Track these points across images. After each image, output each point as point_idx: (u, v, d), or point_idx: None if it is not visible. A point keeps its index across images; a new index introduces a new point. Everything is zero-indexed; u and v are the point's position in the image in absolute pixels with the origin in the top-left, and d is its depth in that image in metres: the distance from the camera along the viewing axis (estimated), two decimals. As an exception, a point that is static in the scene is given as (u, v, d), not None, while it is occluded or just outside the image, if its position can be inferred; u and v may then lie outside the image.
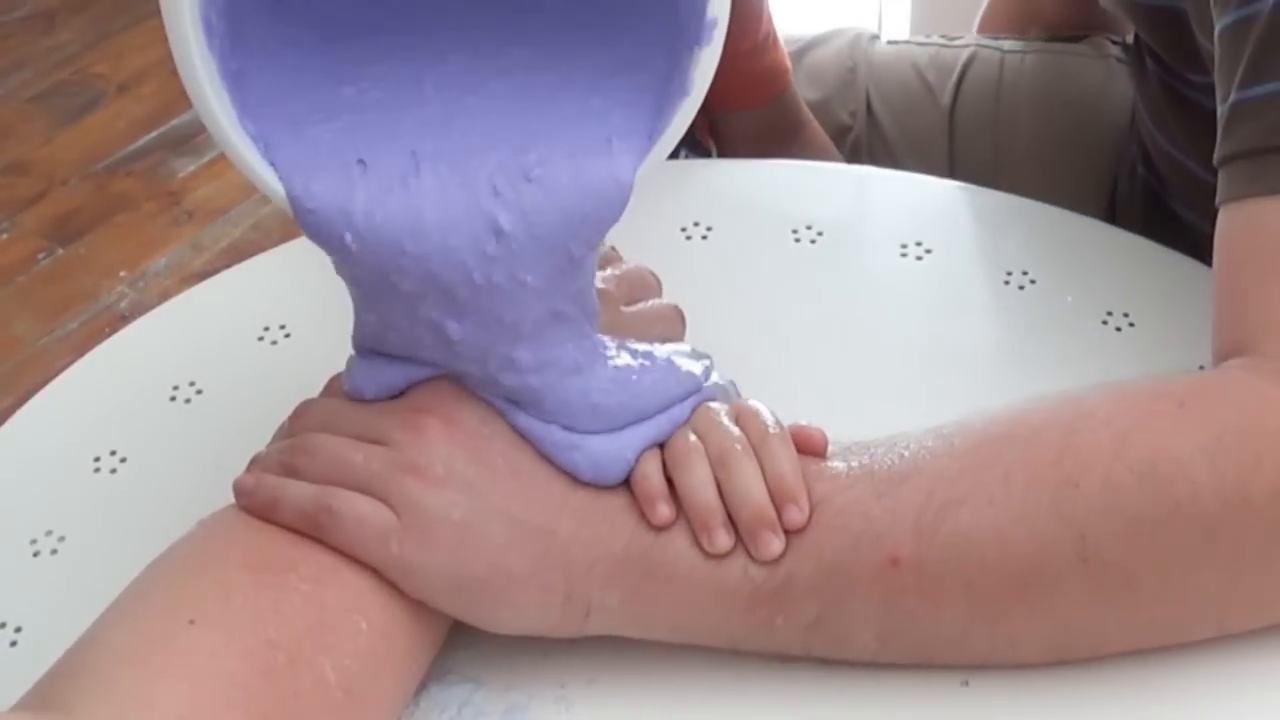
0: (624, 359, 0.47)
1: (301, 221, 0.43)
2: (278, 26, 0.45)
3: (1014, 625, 0.45)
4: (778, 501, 0.45)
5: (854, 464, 0.46)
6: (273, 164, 0.44)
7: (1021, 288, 0.64)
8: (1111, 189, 0.88)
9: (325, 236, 0.43)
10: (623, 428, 0.46)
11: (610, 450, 0.46)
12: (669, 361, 0.48)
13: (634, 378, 0.47)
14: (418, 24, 0.46)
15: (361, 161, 0.43)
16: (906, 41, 0.97)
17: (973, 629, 0.45)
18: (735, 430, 0.47)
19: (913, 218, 0.69)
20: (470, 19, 0.46)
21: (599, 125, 0.44)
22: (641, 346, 0.49)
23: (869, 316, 0.64)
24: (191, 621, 0.41)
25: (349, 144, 0.44)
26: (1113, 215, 0.86)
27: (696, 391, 0.48)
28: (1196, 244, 0.73)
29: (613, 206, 0.43)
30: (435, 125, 0.44)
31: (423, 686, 0.47)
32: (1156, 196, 0.80)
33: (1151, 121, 0.75)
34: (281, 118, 0.44)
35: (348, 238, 0.43)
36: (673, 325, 0.54)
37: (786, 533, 0.44)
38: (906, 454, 0.46)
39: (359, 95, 0.45)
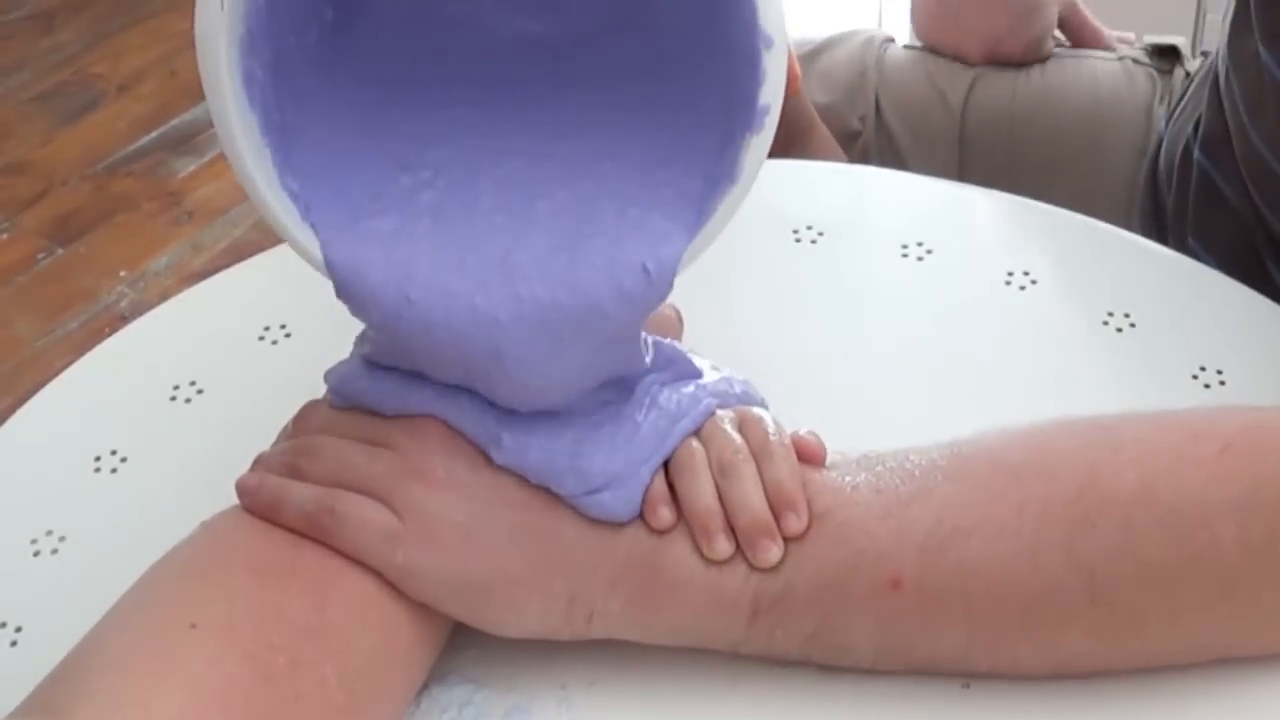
0: (662, 404, 0.47)
1: (341, 297, 0.43)
2: (333, 84, 0.44)
3: (1016, 653, 0.44)
4: (776, 509, 0.44)
5: (861, 479, 0.45)
6: (312, 225, 0.43)
7: (1022, 288, 0.64)
8: (1128, 193, 0.88)
9: (362, 315, 0.44)
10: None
11: (622, 497, 0.45)
12: (697, 396, 0.48)
13: (667, 429, 0.46)
14: (476, 95, 0.45)
15: (408, 298, 0.42)
16: (921, 46, 0.97)
17: (973, 653, 0.45)
18: (737, 438, 0.46)
19: (913, 218, 0.69)
20: (525, 92, 0.45)
21: (637, 244, 0.43)
22: (701, 366, 0.49)
23: (870, 317, 0.64)
24: (193, 626, 0.41)
25: (400, 253, 0.43)
26: (1129, 220, 0.86)
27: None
28: (1246, 232, 0.73)
29: (646, 309, 0.44)
30: (483, 250, 0.43)
31: (424, 687, 0.47)
32: (1209, 184, 0.78)
33: (1247, 115, 0.71)
34: (337, 197, 0.43)
35: (379, 318, 0.43)
36: (669, 326, 0.54)
37: (786, 541, 0.44)
38: (918, 473, 0.45)
39: (415, 189, 0.44)
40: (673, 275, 0.43)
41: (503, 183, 0.44)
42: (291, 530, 0.45)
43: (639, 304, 0.43)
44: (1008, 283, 0.65)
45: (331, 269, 0.43)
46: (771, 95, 0.40)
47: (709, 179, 0.43)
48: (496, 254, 0.43)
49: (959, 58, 0.93)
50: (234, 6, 0.39)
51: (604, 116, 0.45)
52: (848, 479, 0.46)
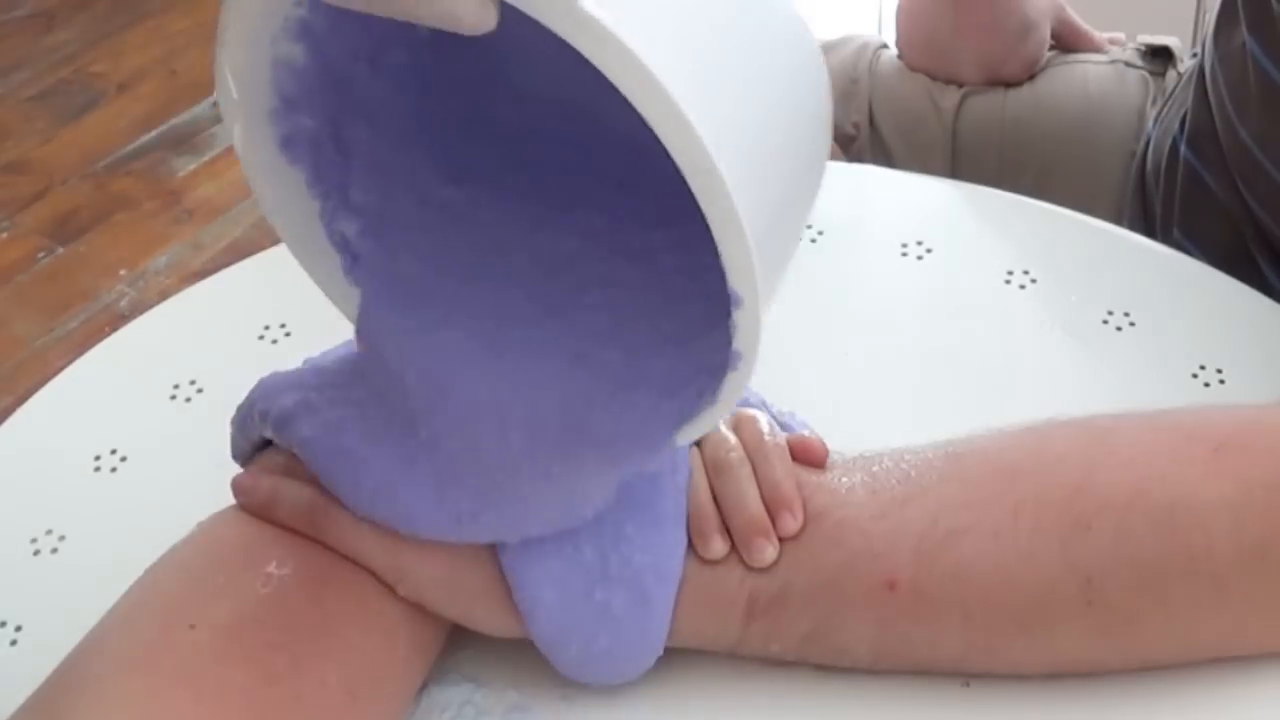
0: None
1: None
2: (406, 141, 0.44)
3: (1013, 654, 0.44)
4: (771, 509, 0.44)
5: (856, 479, 0.45)
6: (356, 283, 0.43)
7: (1022, 287, 0.64)
8: (1120, 197, 0.87)
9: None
10: None
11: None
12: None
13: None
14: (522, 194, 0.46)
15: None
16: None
17: (970, 653, 0.45)
18: (732, 438, 0.46)
19: (913, 217, 0.69)
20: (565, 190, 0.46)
21: (635, 426, 0.42)
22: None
23: (869, 316, 0.64)
24: (192, 626, 0.41)
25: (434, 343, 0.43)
26: (1119, 222, 0.86)
27: None
28: (1234, 227, 0.72)
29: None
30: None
31: (424, 686, 0.47)
32: (1196, 180, 0.78)
33: (1234, 109, 0.71)
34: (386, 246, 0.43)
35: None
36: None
37: (782, 541, 0.44)
38: (913, 473, 0.45)
39: (455, 286, 0.44)
40: (661, 458, 0.44)
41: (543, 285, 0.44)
42: (288, 529, 0.45)
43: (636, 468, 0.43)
44: (1007, 282, 0.65)
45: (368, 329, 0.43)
46: (743, 345, 0.39)
47: (697, 391, 0.42)
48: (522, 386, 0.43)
49: (954, 82, 0.93)
50: (247, 90, 0.38)
51: (634, 273, 0.44)
52: (843, 479, 0.45)
